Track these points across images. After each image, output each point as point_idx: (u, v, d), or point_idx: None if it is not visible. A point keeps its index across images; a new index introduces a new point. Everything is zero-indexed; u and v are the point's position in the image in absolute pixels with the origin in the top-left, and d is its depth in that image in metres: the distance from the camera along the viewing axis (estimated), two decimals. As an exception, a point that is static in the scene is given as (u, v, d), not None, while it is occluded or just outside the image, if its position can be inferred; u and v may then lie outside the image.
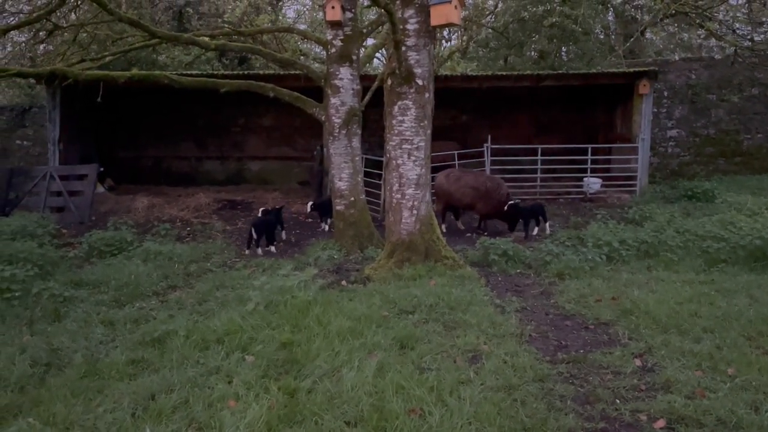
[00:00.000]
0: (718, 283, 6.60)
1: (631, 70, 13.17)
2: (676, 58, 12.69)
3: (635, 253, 8.07)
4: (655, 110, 14.71)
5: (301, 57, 17.69)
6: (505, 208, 9.88)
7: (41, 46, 13.83)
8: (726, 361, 4.46)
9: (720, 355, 4.56)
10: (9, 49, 15.47)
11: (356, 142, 9.45)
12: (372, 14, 17.46)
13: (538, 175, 13.32)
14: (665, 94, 15.36)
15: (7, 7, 11.43)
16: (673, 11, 8.53)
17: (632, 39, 12.78)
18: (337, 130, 9.26)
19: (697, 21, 9.67)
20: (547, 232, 9.93)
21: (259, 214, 10.19)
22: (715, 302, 5.87)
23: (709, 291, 6.27)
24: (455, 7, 6.82)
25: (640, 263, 7.75)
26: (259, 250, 9.33)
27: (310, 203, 11.28)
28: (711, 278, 6.88)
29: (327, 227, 10.91)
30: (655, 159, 15.21)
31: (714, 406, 3.75)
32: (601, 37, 19.20)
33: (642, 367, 4.51)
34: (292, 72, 12.69)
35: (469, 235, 10.48)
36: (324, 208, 10.92)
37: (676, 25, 10.83)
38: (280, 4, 22.00)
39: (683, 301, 5.91)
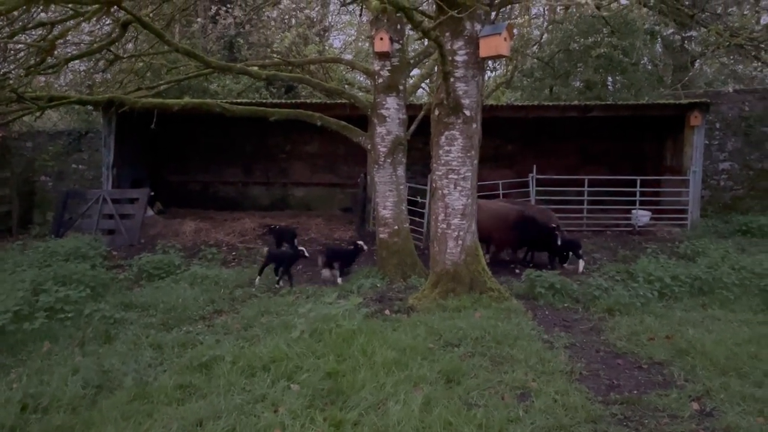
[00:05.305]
0: (778, 325, 6.32)
1: (683, 101, 12.92)
2: (730, 89, 12.37)
3: (688, 289, 7.81)
4: (707, 142, 14.35)
5: (346, 86, 17.95)
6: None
7: (99, 75, 14.38)
8: (791, 408, 4.25)
9: (784, 402, 4.35)
10: (69, 77, 16.13)
11: (401, 171, 9.49)
12: (417, 45, 17.64)
13: (585, 206, 13.09)
14: (717, 125, 14.98)
15: (69, 37, 11.92)
16: (728, 43, 8.34)
17: (690, 74, 12.55)
18: (382, 159, 9.32)
19: (752, 53, 9.43)
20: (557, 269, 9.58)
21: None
22: (776, 344, 5.62)
23: (770, 332, 6.01)
24: (504, 39, 6.83)
25: (694, 300, 7.50)
26: (339, 280, 9.15)
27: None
28: (771, 319, 6.60)
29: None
30: (707, 192, 14.79)
31: (780, 457, 3.56)
32: (649, 67, 18.92)
33: (700, 411, 4.32)
34: (339, 101, 12.89)
35: (513, 266, 10.33)
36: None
37: (731, 57, 10.59)
38: (327, 34, 22.46)
39: (742, 342, 5.67)
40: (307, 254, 8.99)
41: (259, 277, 8.90)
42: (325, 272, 9.26)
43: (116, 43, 9.19)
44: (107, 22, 11.71)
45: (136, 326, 6.49)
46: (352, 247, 9.56)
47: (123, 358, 5.33)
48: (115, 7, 6.52)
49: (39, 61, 8.01)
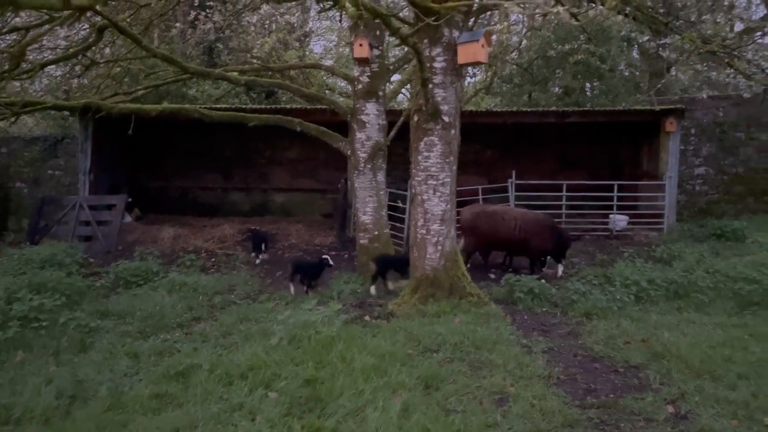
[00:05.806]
0: (751, 327, 6.43)
1: (658, 107, 13.10)
2: (704, 96, 12.58)
3: (664, 293, 7.92)
4: (682, 147, 14.55)
5: (327, 91, 17.96)
6: None
7: (75, 80, 14.21)
8: (762, 409, 4.34)
9: (756, 404, 4.43)
10: (45, 82, 15.92)
11: (381, 176, 9.51)
12: (398, 51, 17.70)
13: (563, 211, 13.20)
14: (692, 131, 15.21)
15: (44, 42, 11.78)
16: (701, 50, 8.49)
17: (663, 80, 12.73)
18: (362, 165, 9.33)
19: (726, 60, 9.60)
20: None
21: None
22: (749, 347, 5.72)
23: (743, 335, 6.11)
24: (482, 45, 6.89)
25: (670, 304, 7.60)
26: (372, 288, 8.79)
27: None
28: (744, 321, 6.71)
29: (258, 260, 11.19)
30: (683, 197, 14.98)
31: (752, 459, 3.61)
32: (626, 73, 19.19)
33: (675, 414, 4.38)
34: (319, 106, 12.88)
35: (492, 271, 10.37)
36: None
37: (704, 64, 10.77)
38: (307, 40, 22.45)
39: (716, 345, 5.75)
40: (331, 263, 8.94)
41: (292, 285, 8.77)
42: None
43: (93, 48, 9.11)
44: (84, 27, 11.60)
45: (112, 335, 6.41)
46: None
47: (98, 368, 5.26)
48: (92, 11, 6.46)
49: (12, 66, 7.90)
